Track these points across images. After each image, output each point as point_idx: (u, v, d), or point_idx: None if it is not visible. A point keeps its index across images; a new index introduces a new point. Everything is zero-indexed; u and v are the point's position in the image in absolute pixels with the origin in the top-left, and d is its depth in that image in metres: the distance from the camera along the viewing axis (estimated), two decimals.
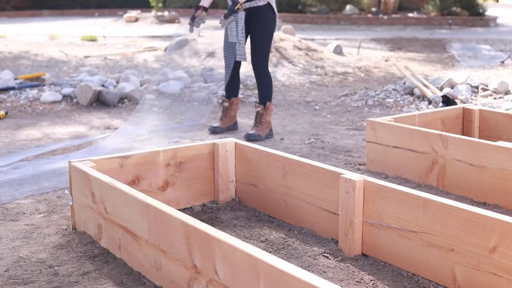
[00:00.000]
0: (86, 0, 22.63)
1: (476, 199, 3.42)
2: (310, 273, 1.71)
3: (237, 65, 4.99)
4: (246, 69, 7.61)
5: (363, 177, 2.67)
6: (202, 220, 2.79)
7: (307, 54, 9.35)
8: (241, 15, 4.81)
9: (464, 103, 5.97)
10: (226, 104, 5.16)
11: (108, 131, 5.27)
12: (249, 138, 4.81)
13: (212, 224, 3.01)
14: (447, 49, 11.39)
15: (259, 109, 4.98)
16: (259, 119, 4.96)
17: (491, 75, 7.88)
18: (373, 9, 18.60)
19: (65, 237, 2.89)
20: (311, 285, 1.66)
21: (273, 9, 4.90)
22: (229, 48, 4.91)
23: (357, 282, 2.43)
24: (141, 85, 7.09)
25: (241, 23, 4.80)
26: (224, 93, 6.34)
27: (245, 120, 5.65)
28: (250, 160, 3.25)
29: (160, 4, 18.01)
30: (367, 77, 8.53)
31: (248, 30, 4.91)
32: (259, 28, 4.87)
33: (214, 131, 5.10)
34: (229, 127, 5.18)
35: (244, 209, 3.29)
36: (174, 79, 7.30)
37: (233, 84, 5.12)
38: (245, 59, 4.89)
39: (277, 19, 4.96)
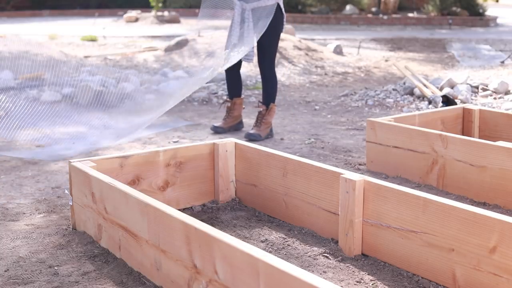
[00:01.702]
0: (86, 0, 22.62)
1: (476, 199, 3.42)
2: (310, 273, 1.71)
3: (238, 65, 4.96)
4: (246, 69, 7.61)
5: (363, 177, 2.67)
6: (202, 220, 2.79)
7: (307, 54, 9.35)
8: (248, 14, 4.70)
9: (464, 103, 5.97)
10: (229, 104, 5.15)
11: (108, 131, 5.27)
12: (249, 137, 4.81)
13: (212, 224, 3.01)
14: (447, 49, 11.38)
15: (261, 109, 4.96)
16: (260, 119, 4.95)
17: (491, 75, 7.87)
18: (373, 9, 18.60)
19: (65, 237, 2.89)
20: (311, 285, 1.66)
21: (281, 9, 4.83)
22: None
23: (357, 282, 2.43)
24: (141, 85, 7.10)
25: (250, 24, 4.69)
26: (225, 92, 6.33)
27: (245, 120, 5.64)
28: (250, 160, 3.25)
29: (160, 4, 18.00)
30: (367, 77, 8.53)
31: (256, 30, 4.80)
32: (268, 29, 4.71)
33: (215, 131, 5.09)
34: (232, 127, 5.16)
35: (244, 209, 3.29)
36: (174, 79, 7.30)
37: (234, 84, 5.10)
38: (251, 61, 4.82)
39: (284, 20, 4.91)
